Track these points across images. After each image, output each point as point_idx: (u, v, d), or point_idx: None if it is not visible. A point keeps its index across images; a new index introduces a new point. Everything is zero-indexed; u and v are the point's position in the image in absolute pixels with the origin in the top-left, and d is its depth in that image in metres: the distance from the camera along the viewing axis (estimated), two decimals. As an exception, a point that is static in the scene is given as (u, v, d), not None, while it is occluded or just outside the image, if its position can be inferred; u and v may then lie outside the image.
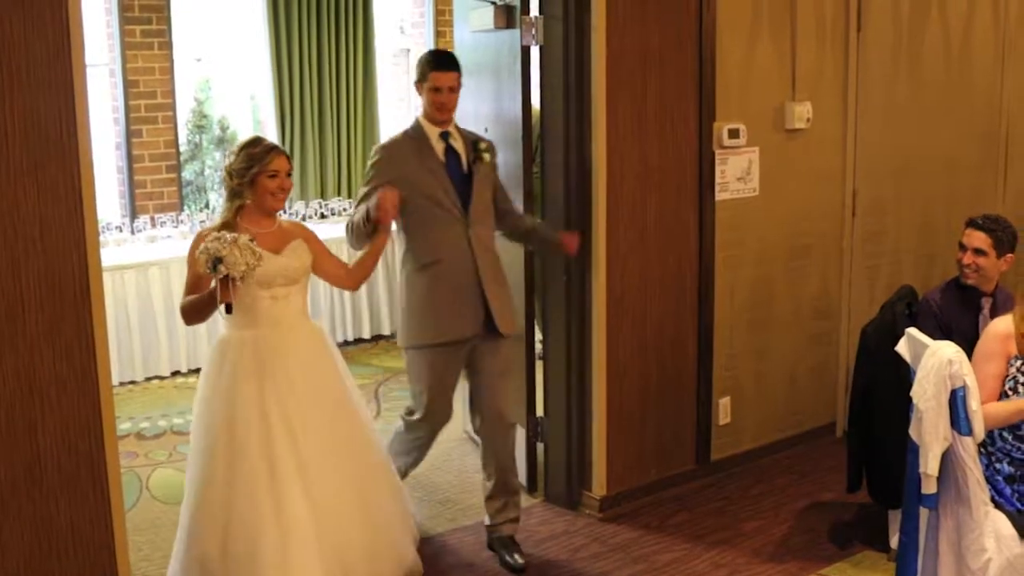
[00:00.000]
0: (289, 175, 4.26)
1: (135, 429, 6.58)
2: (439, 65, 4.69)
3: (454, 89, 4.69)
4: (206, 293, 4.03)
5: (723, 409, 5.72)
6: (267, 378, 4.13)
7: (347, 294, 8.25)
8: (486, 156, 4.78)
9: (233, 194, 4.23)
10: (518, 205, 5.13)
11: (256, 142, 4.24)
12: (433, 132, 4.76)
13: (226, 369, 4.17)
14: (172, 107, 8.84)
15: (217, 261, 3.81)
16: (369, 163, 4.82)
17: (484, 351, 4.78)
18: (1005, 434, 4.06)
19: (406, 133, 4.84)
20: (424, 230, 4.71)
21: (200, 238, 4.06)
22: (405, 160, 4.72)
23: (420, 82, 4.75)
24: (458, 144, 4.78)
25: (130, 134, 8.61)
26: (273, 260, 4.15)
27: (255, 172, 4.16)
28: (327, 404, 4.29)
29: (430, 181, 4.69)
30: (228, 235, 3.87)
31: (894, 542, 4.69)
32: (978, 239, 4.73)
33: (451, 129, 4.78)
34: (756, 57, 5.59)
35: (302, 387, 4.19)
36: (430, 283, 4.69)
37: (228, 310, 3.99)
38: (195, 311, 4.20)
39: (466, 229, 4.68)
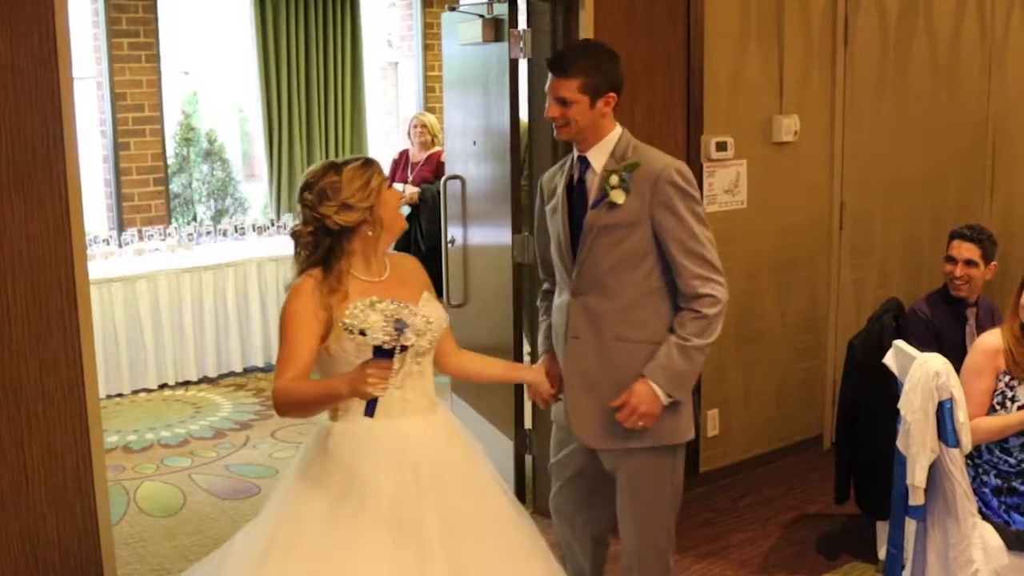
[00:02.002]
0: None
1: (122, 442, 6.55)
2: (552, 65, 3.53)
3: (566, 101, 3.46)
4: (340, 379, 2.94)
5: (711, 421, 5.73)
6: (413, 471, 3.11)
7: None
8: (614, 194, 3.44)
9: (348, 236, 3.16)
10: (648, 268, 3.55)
11: (341, 162, 3.20)
12: (575, 157, 3.63)
13: (353, 498, 3.06)
14: (160, 120, 8.84)
15: (402, 324, 2.80)
16: None
17: (604, 455, 3.70)
18: (992, 447, 4.08)
19: (567, 157, 3.73)
20: (557, 279, 3.72)
21: (300, 293, 3.08)
22: (547, 192, 3.72)
23: None
24: (595, 177, 3.53)
25: (117, 147, 8.61)
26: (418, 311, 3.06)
27: (378, 185, 3.17)
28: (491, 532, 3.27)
29: (554, 224, 3.64)
30: (386, 301, 2.90)
31: (882, 553, 4.69)
32: (968, 250, 4.75)
33: (594, 155, 3.54)
34: (744, 70, 5.61)
35: (463, 494, 3.21)
36: (542, 339, 3.84)
37: (371, 411, 2.94)
38: (313, 403, 3.07)
39: (570, 298, 3.58)
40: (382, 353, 2.81)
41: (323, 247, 3.14)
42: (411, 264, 3.44)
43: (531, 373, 3.77)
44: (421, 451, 3.14)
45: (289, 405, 3.03)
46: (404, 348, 2.85)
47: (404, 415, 3.14)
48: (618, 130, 3.56)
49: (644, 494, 3.64)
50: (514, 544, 3.31)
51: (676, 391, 3.47)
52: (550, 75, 3.49)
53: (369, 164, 3.19)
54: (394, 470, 3.07)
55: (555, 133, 3.56)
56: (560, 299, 3.63)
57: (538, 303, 3.94)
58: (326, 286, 3.09)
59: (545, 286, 3.86)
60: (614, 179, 3.44)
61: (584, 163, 3.55)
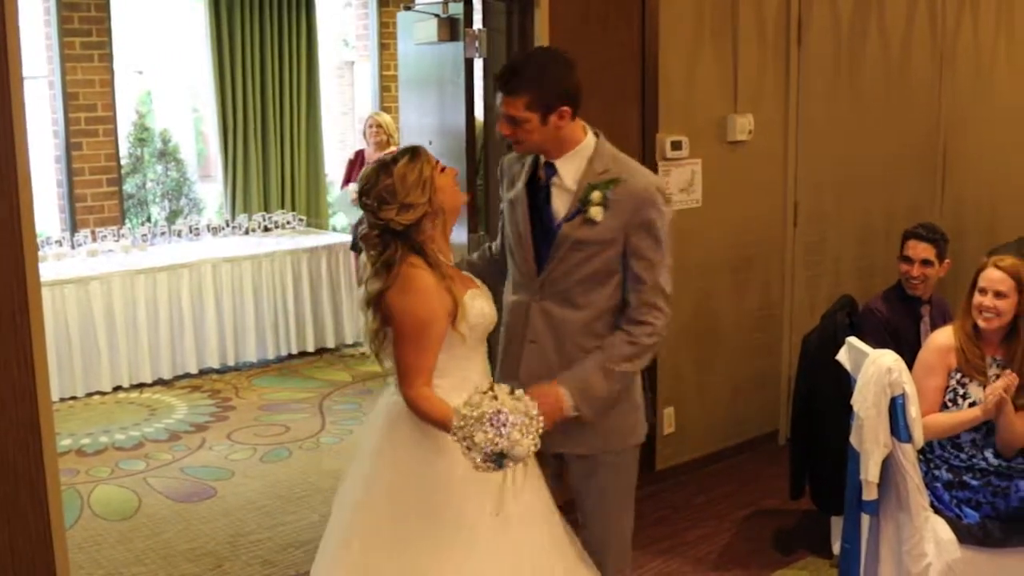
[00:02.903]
0: None
1: (76, 446, 6.49)
2: (498, 81, 3.36)
3: (514, 119, 3.29)
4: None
5: (667, 419, 5.75)
6: None
7: (291, 304, 8.19)
8: (594, 210, 3.31)
9: (416, 231, 3.17)
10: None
11: (390, 160, 3.20)
12: (541, 160, 3.47)
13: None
14: (113, 120, 8.76)
15: (500, 458, 2.83)
16: None
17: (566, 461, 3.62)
18: (943, 442, 4.12)
19: None
20: (511, 272, 3.59)
21: (425, 292, 3.09)
22: (508, 178, 3.58)
23: None
24: (560, 187, 3.38)
25: (70, 147, 8.52)
26: (492, 301, 3.30)
27: (429, 175, 3.18)
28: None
29: (516, 216, 3.50)
30: (482, 405, 2.84)
31: (836, 548, 4.73)
32: (924, 250, 4.79)
33: (563, 164, 3.37)
34: (699, 70, 5.63)
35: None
36: (499, 348, 3.64)
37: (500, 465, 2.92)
38: (436, 426, 3.09)
39: (531, 300, 3.45)
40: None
41: (394, 245, 3.16)
42: None
43: None
44: None
45: (421, 415, 3.10)
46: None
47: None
48: (591, 138, 3.42)
49: (609, 495, 3.58)
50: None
51: (584, 409, 3.33)
52: (498, 91, 3.33)
53: (416, 156, 3.19)
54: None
55: (513, 148, 3.45)
56: (515, 298, 3.50)
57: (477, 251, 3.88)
58: (438, 272, 3.14)
59: (492, 247, 3.77)
60: (596, 195, 3.29)
61: (551, 169, 3.39)
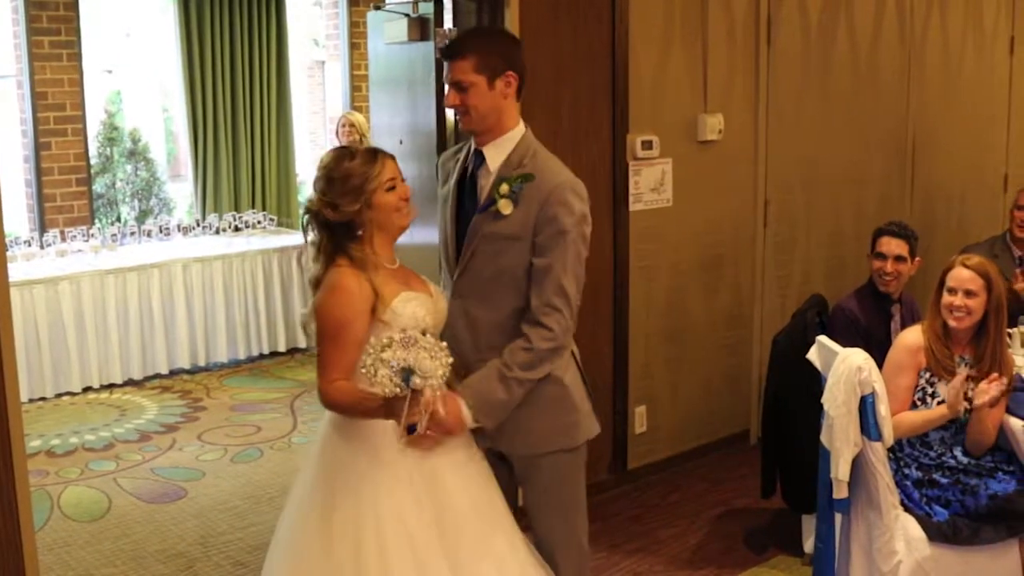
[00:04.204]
0: (403, 180, 3.27)
1: (45, 447, 6.45)
2: (444, 51, 3.35)
3: (462, 85, 3.25)
4: (378, 404, 2.98)
5: (639, 418, 5.77)
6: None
7: (262, 304, 8.16)
8: (502, 203, 3.27)
9: (341, 229, 3.16)
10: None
11: (348, 152, 3.22)
12: (471, 149, 3.45)
13: (381, 457, 3.12)
14: (82, 119, 8.72)
15: (408, 374, 2.85)
16: None
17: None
18: (913, 440, 4.14)
19: (466, 142, 3.55)
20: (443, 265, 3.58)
21: (345, 291, 3.09)
22: (442, 176, 3.58)
23: None
24: (487, 176, 3.35)
25: (39, 147, 8.47)
26: (435, 307, 3.25)
27: (371, 189, 3.14)
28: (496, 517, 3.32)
29: (442, 215, 3.51)
30: (395, 335, 2.90)
31: (807, 546, 4.76)
32: (898, 246, 4.82)
33: (490, 151, 3.35)
34: (669, 69, 5.65)
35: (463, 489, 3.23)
36: None
37: (412, 430, 2.97)
38: (353, 413, 3.12)
39: (451, 295, 3.42)
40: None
41: (324, 235, 3.19)
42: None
43: None
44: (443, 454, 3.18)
45: (334, 407, 3.15)
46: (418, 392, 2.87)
47: None
48: (520, 128, 3.37)
49: (552, 496, 3.49)
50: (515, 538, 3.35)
51: (484, 419, 3.23)
52: (446, 61, 3.29)
53: (371, 163, 3.17)
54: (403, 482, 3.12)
55: (459, 124, 3.38)
56: (447, 293, 3.44)
57: None
58: (364, 273, 3.12)
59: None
60: (504, 187, 3.25)
61: (479, 158, 3.36)
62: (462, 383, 3.25)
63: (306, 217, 3.23)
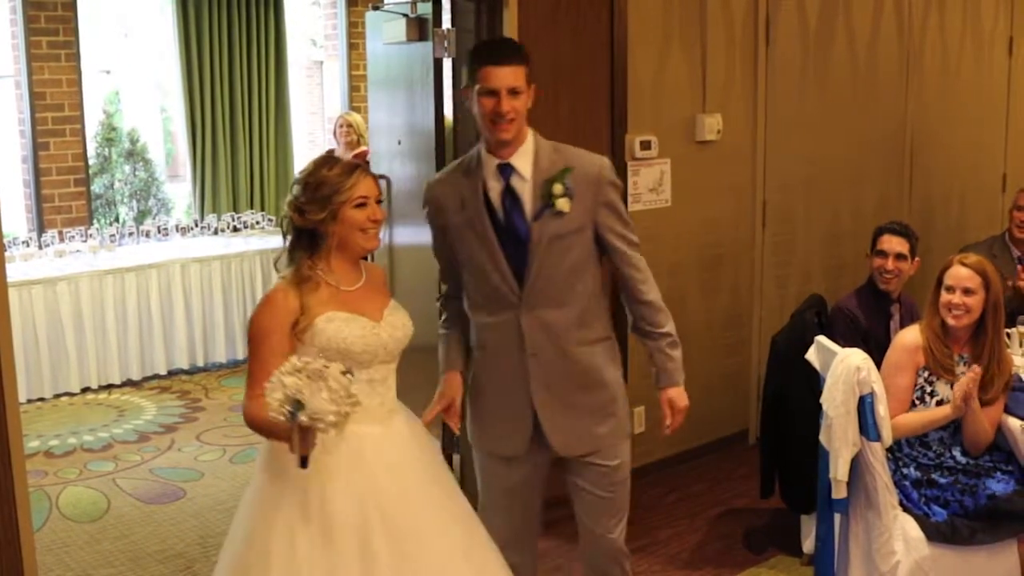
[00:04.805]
0: (380, 202, 3.18)
1: (44, 447, 6.45)
2: (492, 56, 3.29)
3: (517, 92, 3.25)
4: (279, 428, 2.85)
5: (638, 418, 5.75)
6: (367, 483, 3.06)
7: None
8: (561, 202, 3.30)
9: (306, 237, 3.14)
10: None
11: (329, 161, 3.18)
12: (490, 165, 3.35)
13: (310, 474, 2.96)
14: (80, 119, 8.70)
15: (297, 406, 2.73)
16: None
17: (573, 468, 3.59)
18: (912, 440, 4.15)
19: (460, 164, 3.49)
20: (471, 302, 3.51)
21: (270, 303, 3.09)
22: (449, 204, 3.42)
23: (469, 87, 3.34)
24: (524, 184, 3.34)
25: (37, 147, 8.46)
26: (373, 333, 3.13)
27: (340, 201, 3.09)
28: (443, 525, 3.21)
29: (470, 243, 3.39)
30: (312, 363, 2.79)
31: (806, 546, 4.76)
32: (899, 244, 4.82)
33: (518, 160, 3.34)
34: (668, 70, 5.65)
35: (415, 503, 3.13)
36: (476, 371, 3.56)
37: (304, 464, 2.83)
38: (263, 432, 3.02)
39: (518, 314, 3.38)
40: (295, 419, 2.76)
41: (292, 241, 3.18)
42: (374, 272, 3.33)
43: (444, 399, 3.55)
44: (376, 463, 3.08)
45: (250, 424, 3.04)
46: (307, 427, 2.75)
47: (360, 422, 3.00)
48: (530, 130, 3.41)
49: (622, 486, 3.65)
50: (477, 547, 3.27)
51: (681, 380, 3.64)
52: (491, 67, 3.24)
53: (348, 175, 3.12)
54: (344, 490, 3.02)
55: (498, 134, 3.28)
56: (496, 318, 3.42)
57: (442, 314, 3.68)
58: (301, 287, 3.09)
59: (447, 290, 3.65)
60: (558, 187, 3.28)
61: (508, 170, 3.33)
62: (665, 377, 3.66)
63: (284, 221, 3.20)
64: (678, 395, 3.62)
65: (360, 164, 3.20)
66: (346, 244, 3.13)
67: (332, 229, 3.09)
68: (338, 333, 3.06)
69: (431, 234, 3.53)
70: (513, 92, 3.23)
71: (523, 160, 3.33)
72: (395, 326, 3.19)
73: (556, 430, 3.45)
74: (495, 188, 3.34)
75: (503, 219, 3.34)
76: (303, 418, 2.72)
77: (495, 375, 3.49)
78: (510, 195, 3.33)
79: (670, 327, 3.59)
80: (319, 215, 3.08)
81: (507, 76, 3.23)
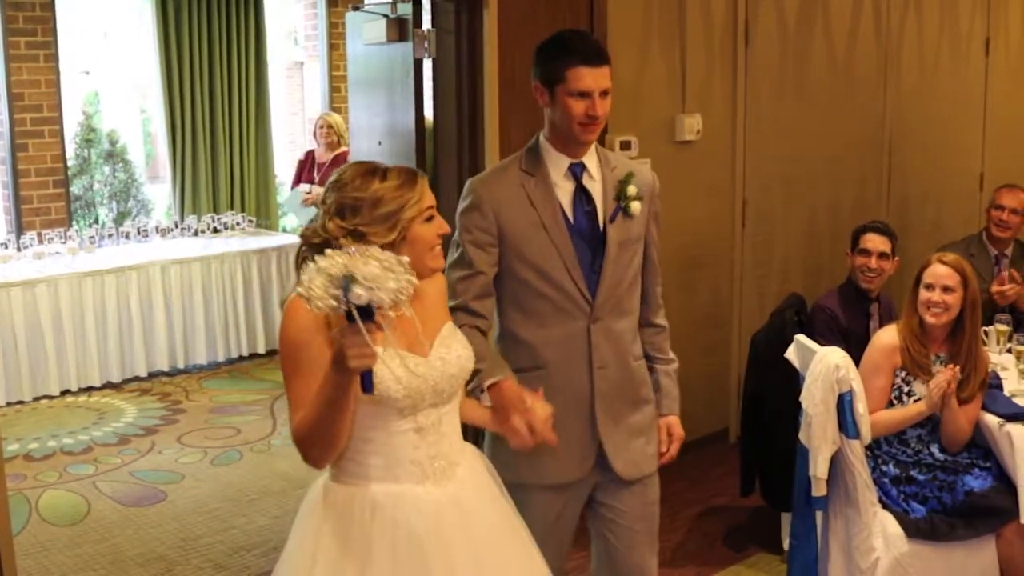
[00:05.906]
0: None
1: (23, 450, 6.42)
2: (587, 57, 3.05)
3: (607, 93, 3.06)
4: (329, 374, 2.33)
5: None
6: None
7: (241, 306, 8.15)
8: (635, 205, 3.17)
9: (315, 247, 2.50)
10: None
11: (377, 170, 2.56)
12: (559, 164, 3.16)
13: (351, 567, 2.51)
14: (59, 121, 8.66)
15: (349, 280, 2.20)
16: (459, 210, 3.18)
17: (612, 493, 3.33)
18: (890, 438, 4.17)
19: (518, 161, 3.20)
20: (525, 316, 3.19)
21: (296, 309, 2.44)
22: (508, 206, 3.13)
23: (547, 84, 3.11)
24: (595, 185, 3.18)
25: (15, 148, 8.42)
26: (416, 375, 2.54)
27: (408, 218, 2.53)
28: None
29: (541, 245, 3.13)
30: (348, 249, 2.29)
31: (787, 544, 4.78)
32: (882, 243, 4.84)
33: (589, 160, 3.18)
34: (647, 70, 5.66)
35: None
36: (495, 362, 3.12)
37: (368, 385, 2.32)
38: (323, 412, 2.37)
39: (588, 324, 3.17)
40: (351, 318, 2.24)
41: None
42: (434, 285, 2.76)
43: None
44: (431, 535, 2.54)
45: (309, 438, 2.44)
46: (366, 309, 2.23)
47: (406, 481, 2.56)
48: None
49: (657, 509, 3.47)
50: None
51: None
52: (586, 67, 3.03)
53: (410, 186, 2.57)
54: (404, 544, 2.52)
55: (587, 135, 3.10)
56: (562, 330, 3.17)
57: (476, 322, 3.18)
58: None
59: (470, 307, 3.15)
60: (632, 189, 3.15)
61: (580, 168, 3.15)
62: (665, 406, 3.43)
63: (304, 249, 2.54)
64: (677, 424, 3.46)
65: (413, 169, 2.64)
66: (412, 268, 2.33)
67: (401, 252, 2.40)
68: (392, 373, 2.51)
69: (462, 240, 3.14)
70: (604, 94, 3.06)
71: (591, 160, 3.18)
72: (447, 360, 2.62)
73: (619, 451, 3.25)
74: (564, 188, 3.15)
75: (574, 220, 3.16)
76: (359, 291, 2.19)
77: (556, 396, 2.99)
78: (583, 194, 3.16)
79: (670, 354, 3.49)
80: (388, 237, 2.50)
81: (602, 78, 3.05)
